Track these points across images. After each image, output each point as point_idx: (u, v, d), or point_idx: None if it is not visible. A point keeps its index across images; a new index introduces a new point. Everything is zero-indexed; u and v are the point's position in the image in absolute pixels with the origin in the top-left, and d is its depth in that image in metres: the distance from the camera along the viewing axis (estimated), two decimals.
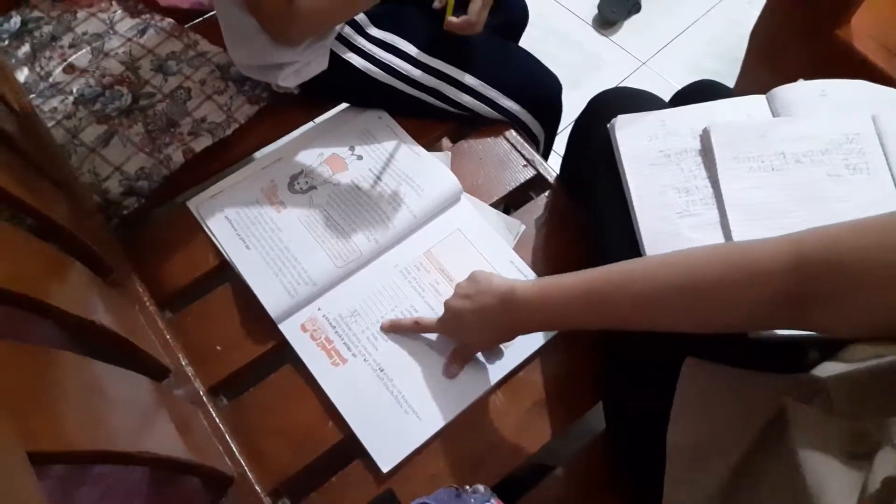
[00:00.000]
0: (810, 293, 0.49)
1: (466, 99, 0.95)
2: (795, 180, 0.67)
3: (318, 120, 1.01)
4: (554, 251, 0.89)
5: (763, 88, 0.78)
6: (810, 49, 1.17)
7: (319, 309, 0.82)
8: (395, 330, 0.80)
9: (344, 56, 0.93)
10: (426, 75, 0.94)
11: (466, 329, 0.74)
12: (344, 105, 1.01)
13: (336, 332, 0.80)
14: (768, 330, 0.60)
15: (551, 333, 0.81)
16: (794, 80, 0.78)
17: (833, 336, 0.55)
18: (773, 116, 0.73)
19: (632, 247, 0.70)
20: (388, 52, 0.93)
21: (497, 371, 0.78)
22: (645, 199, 0.71)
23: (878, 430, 0.45)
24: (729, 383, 0.62)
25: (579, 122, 0.88)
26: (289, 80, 0.92)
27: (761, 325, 0.53)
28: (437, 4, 0.96)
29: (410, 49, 0.94)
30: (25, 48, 1.01)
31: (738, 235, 0.66)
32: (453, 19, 0.89)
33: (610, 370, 0.76)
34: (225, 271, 0.86)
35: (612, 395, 0.75)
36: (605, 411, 0.76)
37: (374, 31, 0.94)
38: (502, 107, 0.96)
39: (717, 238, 0.67)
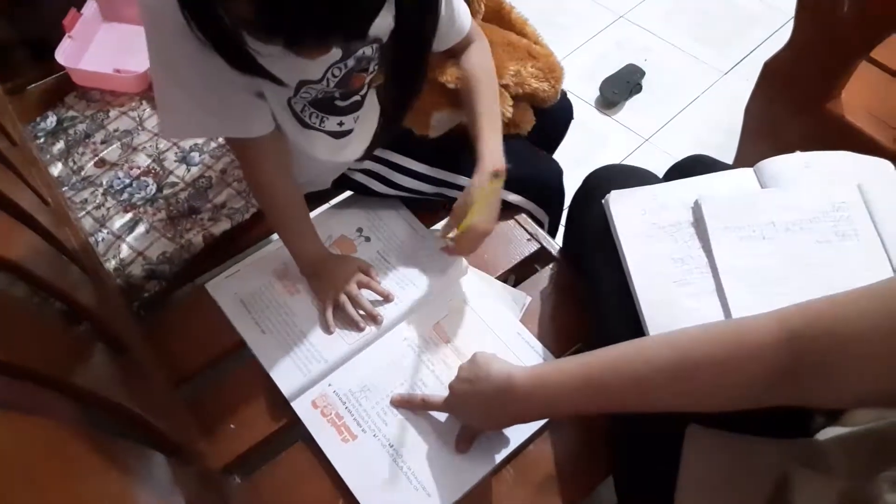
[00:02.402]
0: (800, 368, 0.50)
1: None
2: (786, 248, 0.70)
3: (333, 202, 1.06)
4: (560, 322, 0.91)
5: (761, 161, 0.82)
6: (804, 123, 1.22)
7: (330, 385, 0.84)
8: (405, 405, 0.81)
9: (352, 176, 0.99)
10: (430, 186, 0.98)
11: (468, 413, 0.75)
12: None
13: (346, 407, 0.82)
14: (766, 405, 0.60)
15: None
16: (791, 152, 0.81)
17: (829, 407, 0.56)
18: (762, 188, 0.76)
19: (630, 317, 0.72)
20: (394, 171, 0.98)
21: (506, 446, 0.79)
22: (642, 270, 0.73)
23: (870, 488, 0.46)
24: (734, 451, 0.62)
25: (576, 199, 0.91)
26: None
27: (757, 402, 0.53)
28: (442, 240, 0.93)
29: (414, 165, 0.98)
30: (60, 145, 1.09)
31: (734, 302, 0.68)
32: (449, 242, 0.90)
33: (618, 441, 0.76)
34: (240, 349, 0.88)
35: (621, 466, 0.74)
36: (615, 484, 0.75)
37: (381, 153, 0.98)
38: (506, 201, 1.01)
39: (714, 305, 0.69)
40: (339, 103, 0.83)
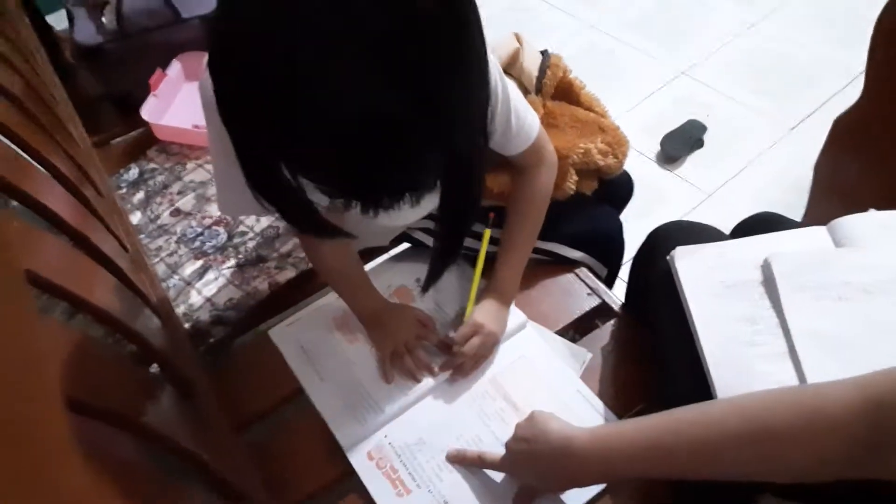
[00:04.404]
0: (883, 440, 0.47)
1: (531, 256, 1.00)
2: (865, 310, 0.66)
3: (392, 252, 1.08)
4: (622, 380, 0.89)
5: (832, 219, 0.78)
6: (877, 181, 1.17)
7: (386, 436, 0.83)
8: (461, 462, 0.80)
9: (412, 234, 1.01)
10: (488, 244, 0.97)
11: (525, 473, 0.73)
12: None
13: (402, 461, 0.81)
14: (843, 479, 0.56)
15: None
16: (863, 210, 0.78)
17: None
18: (836, 247, 0.74)
19: (697, 377, 0.69)
20: None
21: None
22: (709, 330, 0.71)
23: None
24: None
25: (640, 255, 0.90)
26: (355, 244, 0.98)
27: (834, 475, 0.50)
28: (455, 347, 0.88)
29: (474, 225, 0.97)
30: (140, 195, 1.16)
31: (808, 366, 0.64)
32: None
33: None
34: (301, 397, 0.89)
35: None
36: None
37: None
38: (566, 257, 1.01)
39: (787, 369, 0.66)
40: None
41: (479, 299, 0.91)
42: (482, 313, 0.88)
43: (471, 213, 0.77)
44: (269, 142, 0.53)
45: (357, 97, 0.47)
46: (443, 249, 0.83)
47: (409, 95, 0.48)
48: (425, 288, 0.90)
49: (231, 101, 0.53)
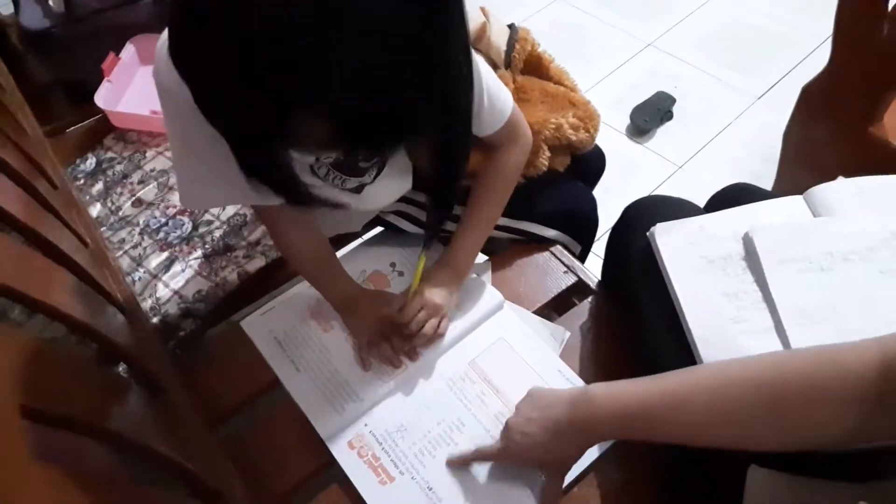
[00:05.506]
0: (892, 401, 0.46)
1: (504, 235, 0.99)
2: (847, 279, 0.66)
3: (366, 237, 1.06)
4: (601, 358, 0.88)
5: (802, 187, 0.79)
6: (846, 148, 1.18)
7: (366, 425, 0.81)
8: (463, 465, 0.77)
9: (385, 217, 0.99)
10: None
11: (536, 447, 0.69)
12: None
13: (383, 448, 0.79)
14: (861, 444, 0.56)
15: (605, 445, 0.78)
16: (833, 178, 0.78)
17: None
18: (813, 216, 0.73)
19: (682, 354, 0.68)
20: (426, 212, 0.95)
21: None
22: (694, 307, 0.70)
23: None
24: (799, 494, 0.58)
25: (616, 231, 0.89)
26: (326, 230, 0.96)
27: (846, 432, 0.49)
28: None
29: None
30: (99, 186, 1.11)
31: (794, 339, 0.64)
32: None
33: (670, 484, 0.72)
34: (276, 388, 0.87)
35: None
36: None
37: (412, 195, 0.96)
38: (540, 235, 1.00)
39: (774, 344, 0.66)
40: (363, 164, 0.81)
41: (431, 273, 0.88)
42: (430, 288, 0.85)
43: (460, 178, 0.76)
44: (267, 121, 0.51)
45: (357, 59, 0.46)
46: (433, 221, 0.83)
47: (406, 53, 0.48)
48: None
49: (214, 88, 0.50)
